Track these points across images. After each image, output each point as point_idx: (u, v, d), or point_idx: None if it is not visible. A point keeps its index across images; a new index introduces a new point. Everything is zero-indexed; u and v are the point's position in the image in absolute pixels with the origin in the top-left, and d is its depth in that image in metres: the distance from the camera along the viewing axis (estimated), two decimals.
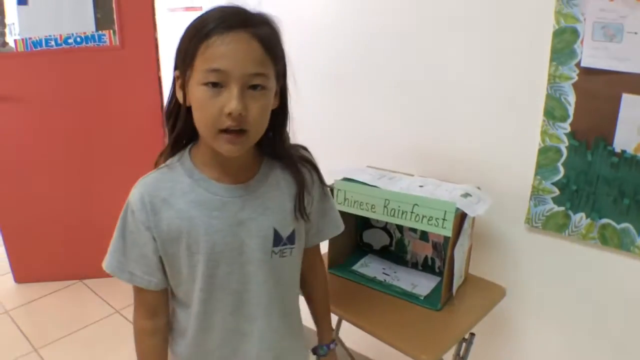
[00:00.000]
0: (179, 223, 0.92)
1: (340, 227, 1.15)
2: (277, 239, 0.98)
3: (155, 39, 2.48)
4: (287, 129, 1.00)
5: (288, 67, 0.95)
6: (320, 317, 1.20)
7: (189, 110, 0.90)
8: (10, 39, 2.40)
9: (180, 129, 0.94)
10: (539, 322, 1.49)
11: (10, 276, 2.76)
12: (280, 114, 0.97)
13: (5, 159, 2.52)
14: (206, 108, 0.85)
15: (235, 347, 1.01)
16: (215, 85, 0.84)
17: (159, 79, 2.54)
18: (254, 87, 0.85)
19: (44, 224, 2.64)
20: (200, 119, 0.87)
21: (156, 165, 0.98)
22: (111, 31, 2.38)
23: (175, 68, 0.91)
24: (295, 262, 1.04)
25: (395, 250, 1.57)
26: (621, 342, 1.35)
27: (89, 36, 2.36)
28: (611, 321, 1.36)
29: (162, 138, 2.62)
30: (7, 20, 2.38)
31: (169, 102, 0.96)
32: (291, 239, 1.00)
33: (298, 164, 1.01)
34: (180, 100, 0.91)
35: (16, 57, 2.39)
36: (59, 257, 2.71)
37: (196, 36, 0.85)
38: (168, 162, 0.97)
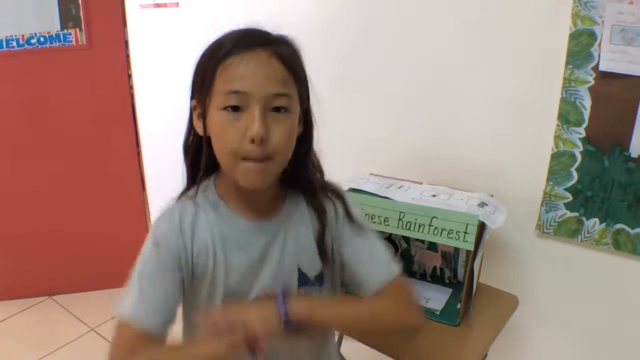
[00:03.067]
0: (205, 257, 0.84)
1: (389, 270, 0.93)
2: (303, 279, 0.91)
3: (125, 37, 2.35)
4: (312, 158, 0.92)
5: (311, 90, 0.88)
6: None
7: (209, 142, 0.82)
8: None
9: (202, 164, 0.86)
10: (550, 328, 1.47)
11: None
12: (304, 142, 0.89)
13: None
14: (226, 134, 0.78)
15: None
16: (235, 109, 0.77)
17: (129, 78, 2.42)
18: (277, 109, 0.79)
19: (10, 239, 2.45)
20: (221, 147, 0.80)
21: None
22: (77, 30, 2.21)
23: (192, 97, 0.84)
24: None
25: (401, 261, 1.50)
26: (636, 348, 1.34)
27: (54, 35, 2.18)
28: (626, 328, 1.35)
29: (133, 142, 2.49)
30: None
31: (187, 135, 0.89)
32: (320, 279, 0.92)
33: (321, 197, 0.93)
34: (200, 131, 0.84)
35: None
36: (28, 274, 2.53)
37: (213, 59, 0.79)
38: (190, 192, 0.89)
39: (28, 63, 2.20)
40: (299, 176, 0.91)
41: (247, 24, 0.84)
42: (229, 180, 0.85)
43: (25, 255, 2.50)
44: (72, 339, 2.28)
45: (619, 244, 1.30)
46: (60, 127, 2.33)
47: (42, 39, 2.18)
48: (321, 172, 0.96)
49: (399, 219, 1.25)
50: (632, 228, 1.28)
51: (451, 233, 1.19)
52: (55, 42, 2.20)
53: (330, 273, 0.95)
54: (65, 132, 2.34)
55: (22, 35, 2.16)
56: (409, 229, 1.24)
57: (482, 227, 1.22)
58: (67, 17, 2.20)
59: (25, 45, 2.17)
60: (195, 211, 0.86)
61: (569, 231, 1.37)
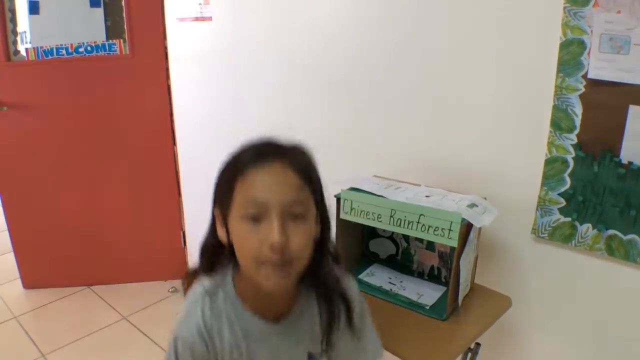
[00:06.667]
0: (230, 353, 0.93)
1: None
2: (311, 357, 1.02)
3: (165, 48, 2.52)
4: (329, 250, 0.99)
5: (325, 194, 0.94)
6: None
7: (231, 247, 0.90)
8: (22, 48, 2.44)
9: (220, 264, 0.95)
10: (544, 332, 1.49)
11: (19, 282, 2.78)
12: (321, 241, 0.95)
13: (15, 166, 2.55)
14: (248, 242, 0.84)
15: None
16: (255, 219, 0.83)
17: (168, 86, 2.58)
18: (294, 217, 0.84)
19: (53, 231, 2.67)
20: (242, 254, 0.86)
21: (186, 284, 0.99)
22: (121, 40, 2.41)
23: (214, 205, 0.92)
24: None
25: (401, 259, 1.57)
26: (627, 353, 1.34)
27: (100, 45, 2.40)
28: (617, 332, 1.35)
29: (171, 146, 2.65)
30: (19, 29, 2.42)
31: (207, 238, 0.96)
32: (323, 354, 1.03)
33: (334, 299, 1.00)
34: (223, 238, 0.91)
35: (28, 65, 2.42)
36: (68, 264, 2.74)
37: (232, 172, 0.86)
38: (207, 286, 0.95)
39: (76, 70, 2.42)
40: (314, 274, 0.96)
41: (262, 134, 0.91)
42: (249, 281, 0.89)
43: (68, 248, 2.71)
44: (105, 325, 2.45)
45: (612, 250, 1.31)
46: (105, 128, 2.52)
47: (89, 48, 2.39)
48: (337, 259, 1.02)
49: (390, 216, 1.32)
50: (625, 234, 1.29)
51: (437, 230, 1.25)
52: (101, 51, 2.41)
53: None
54: (109, 133, 2.53)
55: (71, 45, 2.38)
56: (399, 225, 1.31)
57: (468, 226, 1.27)
58: (112, 28, 2.40)
59: (74, 54, 2.39)
60: (216, 310, 0.92)
61: (563, 236, 1.39)
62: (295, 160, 0.87)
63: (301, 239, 0.85)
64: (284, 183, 0.84)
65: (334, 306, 0.99)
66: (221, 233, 0.91)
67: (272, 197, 0.82)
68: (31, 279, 2.77)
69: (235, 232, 0.86)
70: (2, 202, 2.64)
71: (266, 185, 0.83)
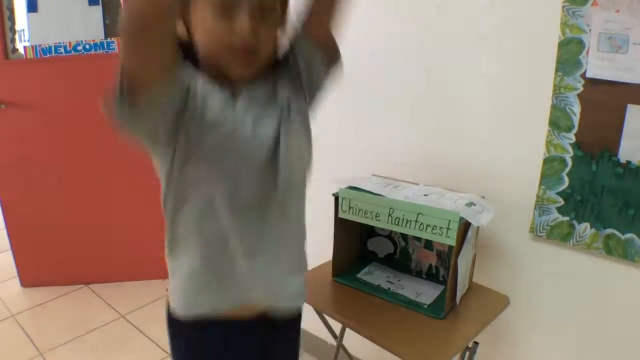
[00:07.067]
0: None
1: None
2: None
3: None
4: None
5: None
6: None
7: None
8: (20, 46, 2.43)
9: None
10: (542, 330, 1.49)
11: (16, 280, 2.78)
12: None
13: (12, 164, 2.55)
14: (217, 32, 0.84)
15: None
16: (225, 8, 0.82)
17: None
18: (263, 10, 0.84)
19: (51, 229, 2.66)
20: (211, 41, 0.85)
21: None
22: (120, 38, 2.40)
23: None
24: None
25: (399, 258, 1.57)
26: (624, 351, 1.35)
27: (98, 43, 2.39)
28: (615, 331, 1.35)
29: None
30: (17, 27, 2.42)
31: None
32: None
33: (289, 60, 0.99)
34: (182, 33, 0.88)
35: (26, 63, 2.42)
36: (65, 262, 2.73)
37: None
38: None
39: (74, 68, 2.42)
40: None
41: None
42: (211, 67, 0.89)
43: (66, 246, 2.70)
44: (103, 323, 2.45)
45: (610, 249, 1.32)
46: (102, 126, 2.49)
47: (87, 46, 2.39)
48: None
49: (389, 215, 1.32)
50: (623, 233, 1.29)
51: (435, 229, 1.25)
52: (100, 50, 2.41)
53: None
54: (106, 131, 2.51)
55: (70, 43, 2.37)
56: (397, 224, 1.31)
57: (466, 224, 1.28)
58: (111, 27, 2.40)
59: (72, 52, 2.38)
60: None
61: (561, 235, 1.39)
62: None
63: (270, 36, 0.88)
64: None
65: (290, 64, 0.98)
66: (180, 28, 0.88)
67: None
68: (29, 278, 2.77)
69: (202, 22, 0.85)
70: (0, 200, 2.63)
71: None
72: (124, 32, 0.74)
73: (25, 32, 2.40)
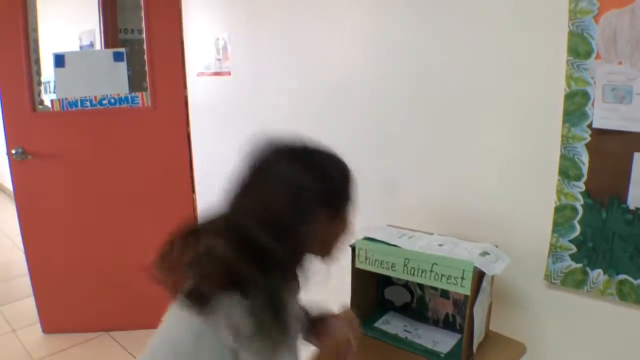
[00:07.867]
0: None
1: None
2: None
3: (185, 98, 2.61)
4: None
5: None
6: None
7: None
8: (45, 97, 2.54)
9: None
10: None
11: (38, 326, 2.81)
12: None
13: (38, 214, 2.62)
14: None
15: None
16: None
17: (188, 134, 2.66)
18: None
19: (73, 276, 2.71)
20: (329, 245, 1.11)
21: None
22: (144, 93, 2.51)
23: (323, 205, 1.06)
24: None
25: (416, 307, 1.58)
26: None
27: (123, 98, 2.49)
28: None
29: (190, 193, 2.70)
30: (43, 79, 2.53)
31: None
32: None
33: None
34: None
35: (53, 116, 2.52)
36: (87, 309, 2.76)
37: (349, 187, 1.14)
38: None
39: (100, 121, 2.51)
40: None
41: None
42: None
43: (87, 293, 2.74)
44: None
45: (623, 295, 1.33)
46: (126, 176, 2.59)
47: (112, 100, 2.49)
48: None
49: (404, 265, 1.35)
50: (635, 278, 1.30)
51: (450, 278, 1.28)
52: (124, 103, 2.51)
53: None
54: (130, 181, 2.60)
55: (95, 97, 2.48)
56: (413, 274, 1.34)
57: (481, 273, 1.30)
58: (133, 77, 2.51)
59: (98, 105, 2.49)
60: None
61: (575, 282, 1.40)
62: None
63: None
64: None
65: None
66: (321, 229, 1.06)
67: None
68: (50, 324, 2.80)
69: (332, 229, 1.08)
70: (24, 246, 2.70)
71: None
72: None
73: (51, 83, 2.51)
